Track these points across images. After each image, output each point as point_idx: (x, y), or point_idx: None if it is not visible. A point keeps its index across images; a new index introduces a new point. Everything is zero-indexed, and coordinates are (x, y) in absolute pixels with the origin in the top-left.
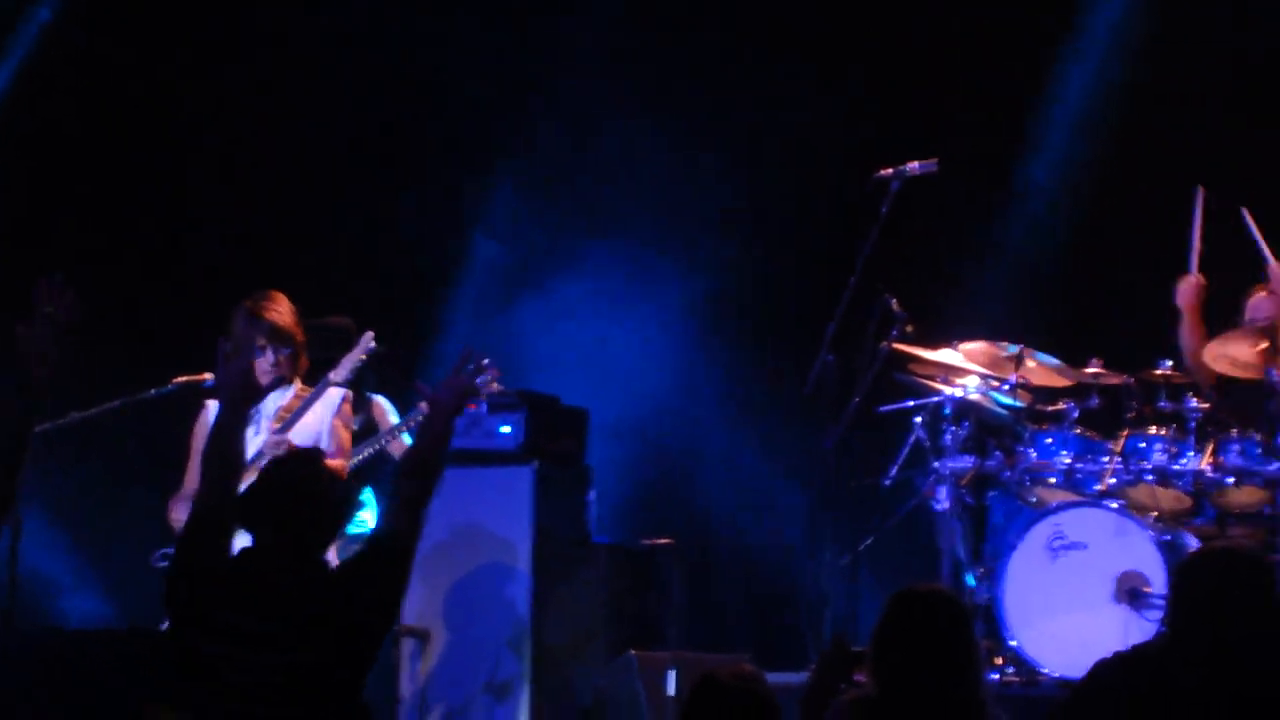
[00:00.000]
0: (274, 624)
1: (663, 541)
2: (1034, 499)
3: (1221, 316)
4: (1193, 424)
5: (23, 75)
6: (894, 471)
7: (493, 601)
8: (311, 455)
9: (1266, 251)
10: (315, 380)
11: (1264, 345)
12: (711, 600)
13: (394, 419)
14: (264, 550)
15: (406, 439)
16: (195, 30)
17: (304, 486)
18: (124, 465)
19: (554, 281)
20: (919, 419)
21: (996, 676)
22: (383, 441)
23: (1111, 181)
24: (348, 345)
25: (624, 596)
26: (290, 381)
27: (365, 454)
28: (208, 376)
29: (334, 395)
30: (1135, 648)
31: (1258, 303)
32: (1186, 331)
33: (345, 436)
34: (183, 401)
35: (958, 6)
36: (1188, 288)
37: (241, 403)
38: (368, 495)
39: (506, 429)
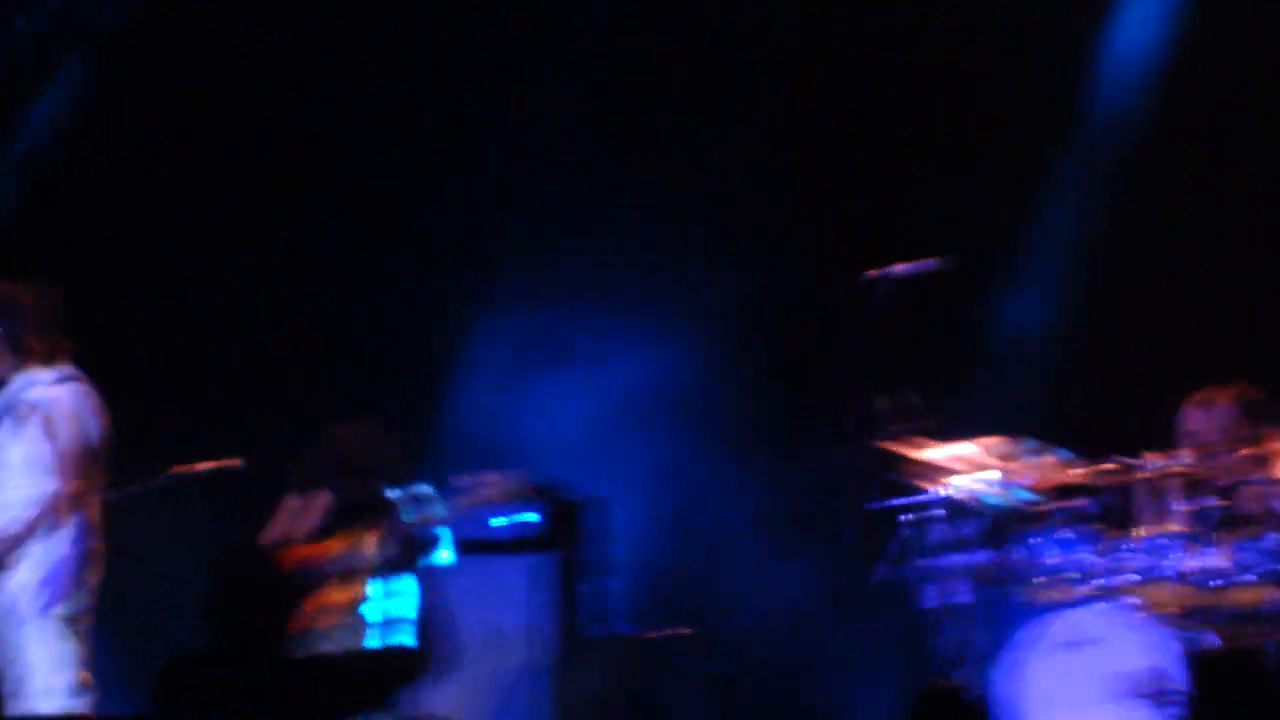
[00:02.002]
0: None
1: (681, 631)
2: (1047, 595)
3: None
4: (1209, 522)
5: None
6: (902, 565)
7: (511, 690)
8: (265, 552)
9: None
10: None
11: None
12: (727, 690)
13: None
14: (231, 644)
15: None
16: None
17: (252, 589)
18: (145, 548)
19: (570, 370)
20: (928, 514)
21: None
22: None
23: (1118, 274)
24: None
25: (642, 686)
26: (22, 368)
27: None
28: (199, 467)
29: (34, 400)
30: None
31: (1188, 414)
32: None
33: (51, 451)
34: (176, 494)
35: (960, 98)
36: None
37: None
38: (444, 533)
39: (525, 518)
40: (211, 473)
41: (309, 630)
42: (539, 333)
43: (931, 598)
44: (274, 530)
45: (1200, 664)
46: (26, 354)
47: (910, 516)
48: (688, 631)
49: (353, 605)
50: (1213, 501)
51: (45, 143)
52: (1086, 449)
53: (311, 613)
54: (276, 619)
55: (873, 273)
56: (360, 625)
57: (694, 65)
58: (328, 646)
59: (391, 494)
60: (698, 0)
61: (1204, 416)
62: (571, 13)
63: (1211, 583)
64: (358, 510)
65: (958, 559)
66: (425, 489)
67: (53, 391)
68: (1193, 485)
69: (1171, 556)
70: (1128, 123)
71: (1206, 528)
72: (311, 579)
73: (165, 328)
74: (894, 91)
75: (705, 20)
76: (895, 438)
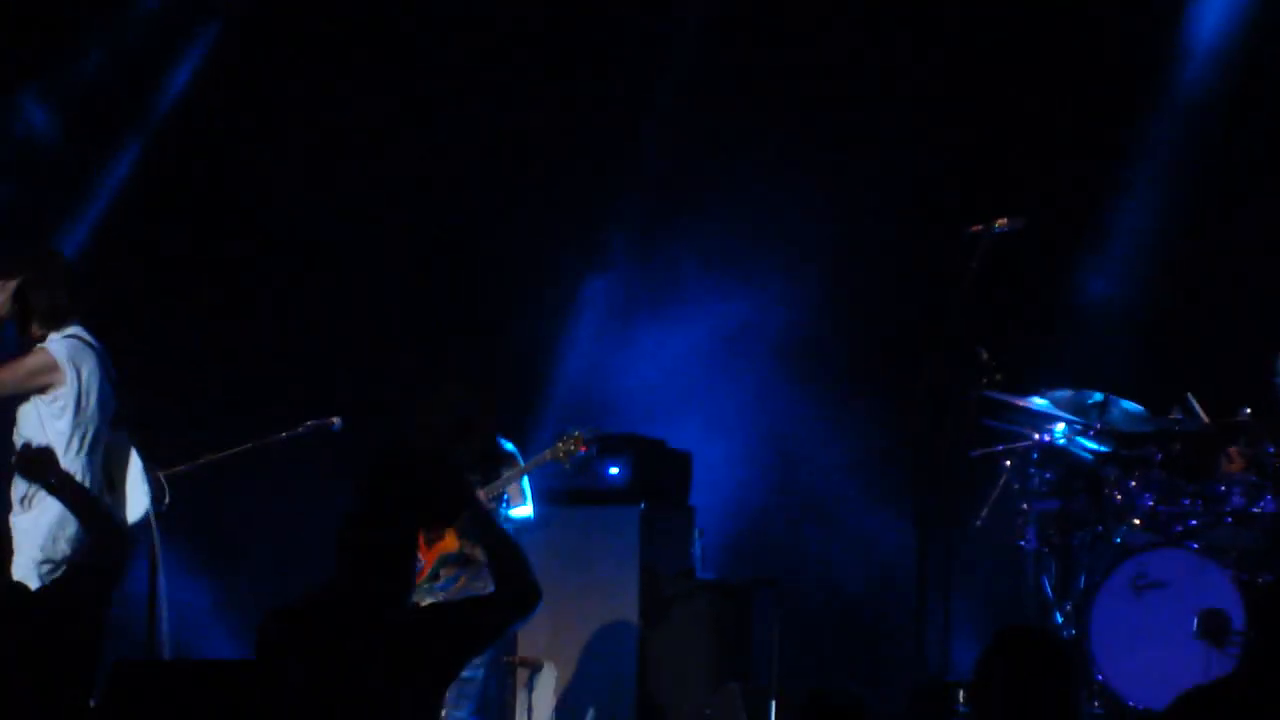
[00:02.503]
0: (351, 656)
1: (762, 577)
2: (1118, 539)
3: None
4: (1271, 469)
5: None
6: (985, 512)
7: (602, 633)
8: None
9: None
10: None
11: None
12: (808, 634)
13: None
14: (342, 590)
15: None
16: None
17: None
18: (258, 502)
19: (661, 327)
20: (1008, 463)
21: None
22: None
23: (1196, 233)
24: None
25: (727, 630)
26: (22, 331)
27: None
28: (335, 420)
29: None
30: (1218, 680)
31: None
32: None
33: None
34: (312, 442)
35: (1045, 65)
36: None
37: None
38: (525, 484)
39: (615, 470)
40: (316, 429)
41: (434, 577)
42: (642, 287)
43: (1029, 542)
44: None
45: (1258, 604)
46: (50, 318)
47: (1010, 463)
48: (773, 579)
49: (467, 554)
50: (1271, 450)
51: (172, 115)
52: (1157, 402)
53: (433, 562)
54: (404, 569)
55: (976, 228)
56: (476, 572)
57: (795, 31)
58: (448, 592)
59: (503, 446)
60: None
61: None
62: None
63: (1273, 527)
64: (464, 465)
65: (1050, 504)
66: (507, 446)
67: (53, 347)
68: (1255, 435)
69: (1233, 502)
70: (1211, 93)
71: (1266, 475)
72: (434, 532)
73: (280, 293)
74: (989, 61)
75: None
76: (992, 386)
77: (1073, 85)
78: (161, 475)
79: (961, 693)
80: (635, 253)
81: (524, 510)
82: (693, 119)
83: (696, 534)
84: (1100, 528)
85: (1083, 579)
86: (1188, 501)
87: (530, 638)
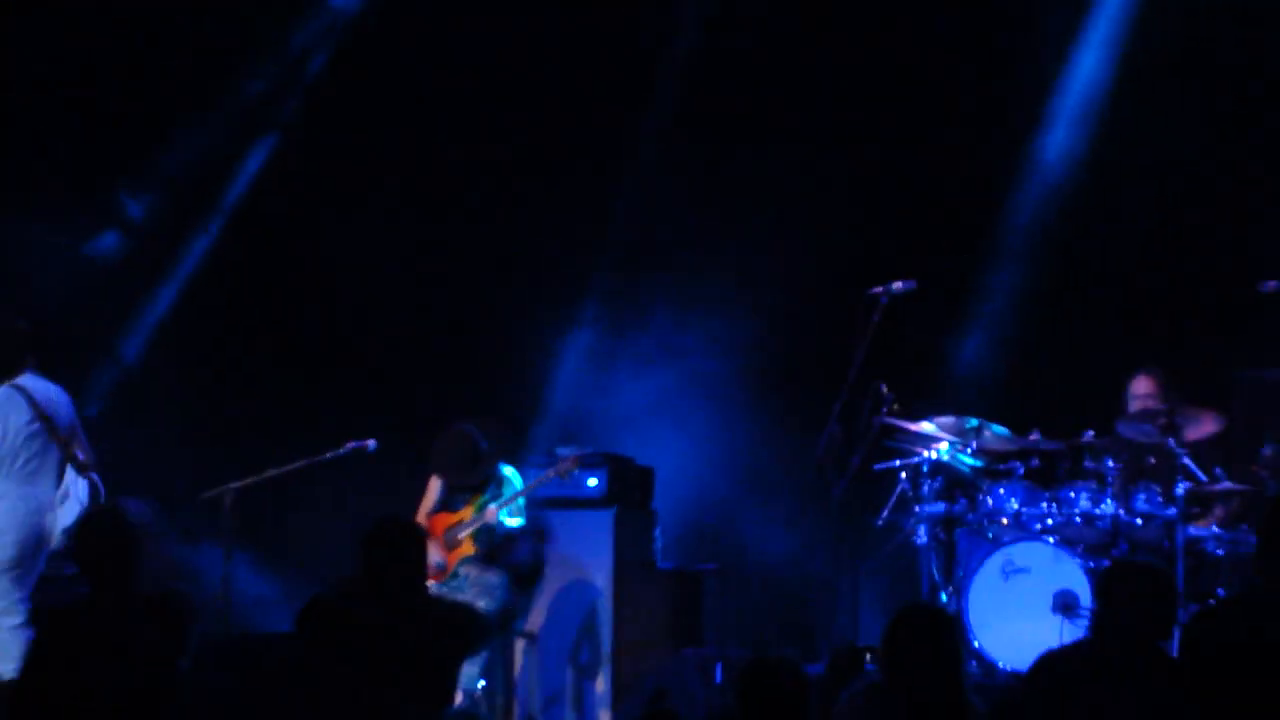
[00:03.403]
0: (375, 646)
1: (710, 566)
2: (990, 535)
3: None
4: (1110, 478)
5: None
6: (885, 514)
7: (582, 612)
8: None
9: None
10: None
11: (1164, 421)
12: (747, 611)
13: (515, 485)
14: (369, 584)
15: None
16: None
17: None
18: (310, 508)
19: (631, 365)
20: (904, 475)
21: None
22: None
23: (1051, 293)
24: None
25: (682, 608)
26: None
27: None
28: (371, 442)
29: None
30: (1070, 644)
31: (1137, 384)
32: None
33: None
34: (352, 460)
35: (936, 164)
36: None
37: None
38: (519, 500)
39: (593, 481)
40: (356, 449)
41: (455, 575)
42: (616, 333)
43: (920, 537)
44: (425, 503)
45: (1100, 585)
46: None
47: (905, 475)
48: (716, 566)
49: (481, 554)
50: (1109, 463)
51: (241, 199)
52: (1018, 426)
53: (455, 563)
54: (419, 568)
55: (876, 289)
56: (484, 566)
57: (742, 107)
58: (466, 583)
59: (502, 471)
60: (754, 74)
61: (1149, 384)
62: (651, 68)
63: (1112, 525)
64: (475, 486)
65: (936, 507)
66: (505, 470)
67: None
68: (1097, 452)
69: (1081, 505)
70: (1056, 199)
71: (1105, 484)
72: (454, 539)
73: (333, 346)
74: (896, 163)
75: (761, 91)
76: (892, 414)
77: (946, 199)
78: (96, 478)
79: (869, 654)
80: (610, 306)
81: (517, 519)
82: (654, 197)
83: (658, 532)
84: (976, 526)
85: (962, 567)
86: (1045, 505)
87: (527, 615)
